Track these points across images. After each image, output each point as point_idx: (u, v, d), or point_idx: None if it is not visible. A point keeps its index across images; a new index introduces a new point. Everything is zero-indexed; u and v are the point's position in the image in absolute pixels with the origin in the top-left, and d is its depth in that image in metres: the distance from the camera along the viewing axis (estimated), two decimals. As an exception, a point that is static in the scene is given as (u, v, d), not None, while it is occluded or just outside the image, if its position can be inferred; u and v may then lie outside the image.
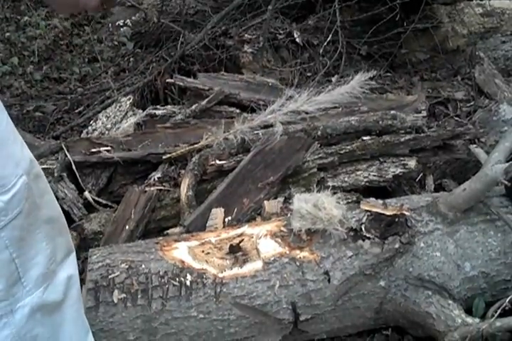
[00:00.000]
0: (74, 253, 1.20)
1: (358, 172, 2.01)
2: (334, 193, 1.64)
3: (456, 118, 2.58)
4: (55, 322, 1.12)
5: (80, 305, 1.21)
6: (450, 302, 1.56)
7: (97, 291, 1.47)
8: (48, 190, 1.12)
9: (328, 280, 1.54)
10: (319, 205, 1.58)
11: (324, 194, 1.62)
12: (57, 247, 1.11)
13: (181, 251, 1.58)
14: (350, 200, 1.90)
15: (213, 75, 2.62)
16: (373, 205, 1.64)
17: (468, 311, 1.58)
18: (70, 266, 1.17)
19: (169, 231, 1.87)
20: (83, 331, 1.23)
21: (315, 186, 1.91)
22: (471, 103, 2.70)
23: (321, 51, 2.74)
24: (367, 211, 1.62)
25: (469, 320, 1.51)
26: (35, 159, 1.05)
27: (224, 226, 1.82)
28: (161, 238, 1.66)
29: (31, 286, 1.04)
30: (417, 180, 2.20)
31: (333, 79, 2.86)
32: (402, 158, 2.06)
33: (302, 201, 1.60)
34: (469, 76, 2.86)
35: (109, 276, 1.49)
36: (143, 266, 1.52)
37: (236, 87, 2.53)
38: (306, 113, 2.07)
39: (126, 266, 1.52)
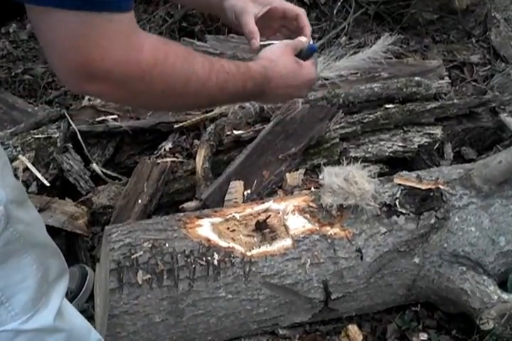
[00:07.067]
0: (67, 276, 1.15)
1: (382, 143, 1.92)
2: (364, 166, 1.56)
3: (474, 83, 2.48)
4: None
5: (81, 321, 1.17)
6: (485, 278, 1.53)
7: (120, 272, 1.39)
8: (37, 216, 1.07)
9: (361, 258, 1.48)
10: (350, 179, 1.50)
11: (354, 167, 1.54)
12: (50, 268, 1.07)
13: (205, 228, 1.50)
14: (373, 172, 1.81)
15: (222, 38, 2.46)
16: (407, 179, 1.57)
17: (500, 285, 1.53)
18: (64, 288, 1.13)
19: (184, 205, 1.79)
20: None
21: (338, 157, 1.82)
22: (488, 67, 2.60)
23: (335, 11, 2.59)
24: (400, 185, 1.55)
25: (505, 296, 1.48)
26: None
27: (243, 200, 1.73)
28: (181, 214, 1.57)
29: (18, 311, 0.99)
30: (435, 148, 2.12)
31: (341, 40, 2.73)
32: (427, 127, 1.97)
33: (332, 175, 1.52)
34: (484, 38, 2.75)
35: (132, 256, 1.41)
36: (167, 244, 1.43)
37: (248, 51, 2.37)
38: (326, 79, 1.95)
39: (150, 245, 1.43)
